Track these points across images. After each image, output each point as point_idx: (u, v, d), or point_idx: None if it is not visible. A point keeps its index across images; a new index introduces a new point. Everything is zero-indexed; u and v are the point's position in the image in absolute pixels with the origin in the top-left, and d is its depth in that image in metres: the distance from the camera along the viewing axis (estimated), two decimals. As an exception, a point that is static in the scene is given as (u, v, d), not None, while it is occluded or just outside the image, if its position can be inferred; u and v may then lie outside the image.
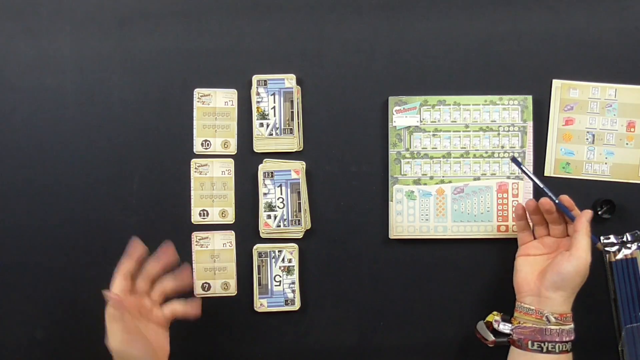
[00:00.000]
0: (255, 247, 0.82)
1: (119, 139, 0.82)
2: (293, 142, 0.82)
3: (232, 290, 0.82)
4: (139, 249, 0.71)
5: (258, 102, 0.82)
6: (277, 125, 0.82)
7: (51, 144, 0.81)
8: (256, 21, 0.82)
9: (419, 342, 0.83)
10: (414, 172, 0.82)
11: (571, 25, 0.82)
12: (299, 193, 0.82)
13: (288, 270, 0.82)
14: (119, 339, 0.66)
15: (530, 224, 0.76)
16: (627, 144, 0.82)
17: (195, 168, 0.82)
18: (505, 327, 0.73)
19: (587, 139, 0.82)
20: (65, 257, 0.81)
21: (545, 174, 0.82)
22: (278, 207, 0.82)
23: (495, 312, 0.75)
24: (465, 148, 0.82)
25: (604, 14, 0.82)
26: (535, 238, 0.76)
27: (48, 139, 0.81)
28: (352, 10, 0.82)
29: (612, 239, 0.82)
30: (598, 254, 0.81)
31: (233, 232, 0.82)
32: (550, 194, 0.72)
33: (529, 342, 0.70)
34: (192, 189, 0.82)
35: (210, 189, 0.82)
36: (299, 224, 0.82)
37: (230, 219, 0.82)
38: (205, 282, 0.82)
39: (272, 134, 0.82)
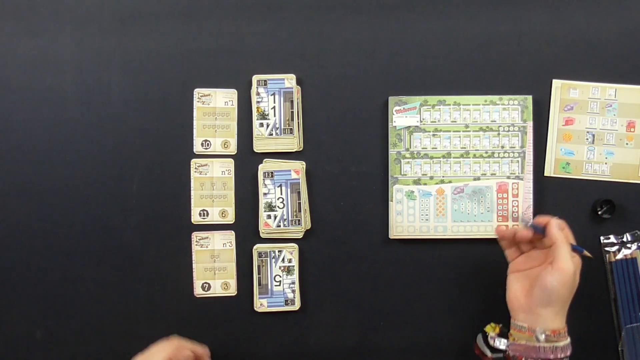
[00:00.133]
0: (255, 247, 0.82)
1: (119, 139, 0.82)
2: (293, 142, 0.82)
3: (232, 290, 0.82)
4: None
5: (258, 102, 0.82)
6: (277, 125, 0.82)
7: (51, 144, 0.81)
8: (256, 21, 0.82)
9: (419, 342, 0.83)
10: (414, 172, 0.82)
11: (571, 25, 0.82)
12: (299, 193, 0.82)
13: (288, 270, 0.82)
14: None
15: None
16: (627, 144, 0.82)
17: (195, 168, 0.82)
18: (501, 344, 0.72)
19: (587, 139, 0.82)
20: (65, 257, 0.81)
21: (545, 174, 0.82)
22: (278, 207, 0.82)
23: (493, 324, 0.74)
24: (465, 148, 0.82)
25: (604, 14, 0.82)
26: (522, 253, 0.75)
27: (48, 139, 0.81)
28: (352, 10, 0.82)
29: (612, 239, 0.82)
30: (597, 255, 0.81)
31: (233, 232, 0.82)
32: (524, 222, 0.72)
33: (524, 359, 0.70)
34: (192, 189, 0.82)
35: (210, 189, 0.82)
36: (299, 224, 0.82)
37: (230, 219, 0.82)
38: (205, 282, 0.82)
39: (272, 134, 0.82)
